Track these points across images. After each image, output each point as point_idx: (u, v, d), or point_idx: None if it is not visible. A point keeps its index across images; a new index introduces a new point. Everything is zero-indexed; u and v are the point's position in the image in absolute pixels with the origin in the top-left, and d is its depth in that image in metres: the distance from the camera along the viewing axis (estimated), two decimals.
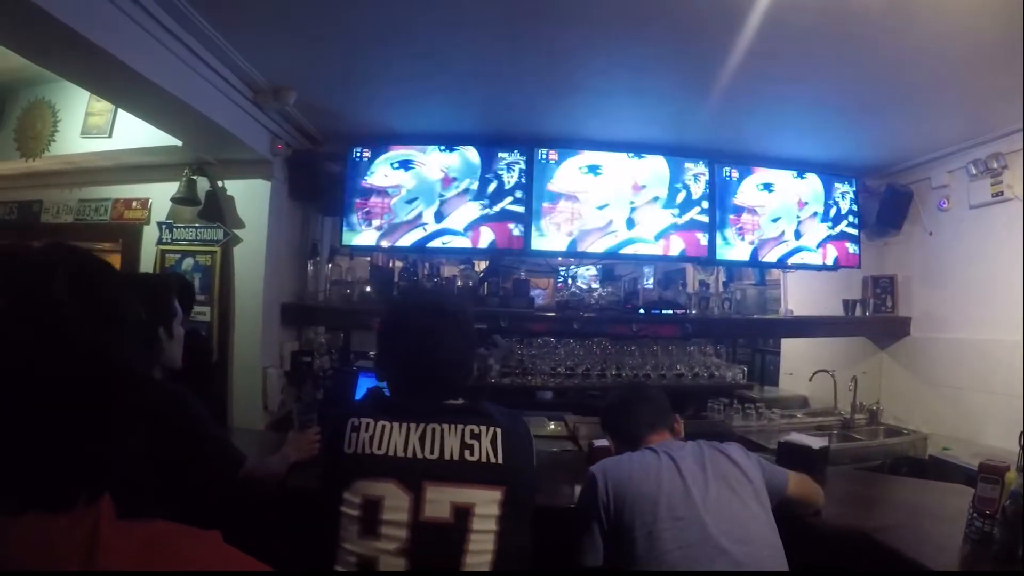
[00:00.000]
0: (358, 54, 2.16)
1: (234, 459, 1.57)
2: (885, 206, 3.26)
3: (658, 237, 2.96)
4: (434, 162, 2.94)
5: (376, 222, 2.92)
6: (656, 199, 2.98)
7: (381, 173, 2.95)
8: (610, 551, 1.38)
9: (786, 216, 3.15)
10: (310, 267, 2.94)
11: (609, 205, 2.93)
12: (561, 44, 2.01)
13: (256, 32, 2.04)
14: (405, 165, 2.95)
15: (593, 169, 2.95)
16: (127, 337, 0.53)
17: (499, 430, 1.16)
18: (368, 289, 2.87)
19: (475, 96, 2.54)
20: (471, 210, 2.90)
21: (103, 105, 2.94)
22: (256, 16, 1.92)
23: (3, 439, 0.46)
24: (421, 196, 2.93)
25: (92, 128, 3.00)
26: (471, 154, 2.94)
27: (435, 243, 2.90)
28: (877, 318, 3.32)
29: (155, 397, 1.38)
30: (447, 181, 2.93)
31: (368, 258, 3.10)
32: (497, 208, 2.89)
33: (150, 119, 2.48)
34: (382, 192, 2.94)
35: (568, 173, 2.94)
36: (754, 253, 3.08)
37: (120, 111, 2.82)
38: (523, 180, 2.89)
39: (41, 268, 0.50)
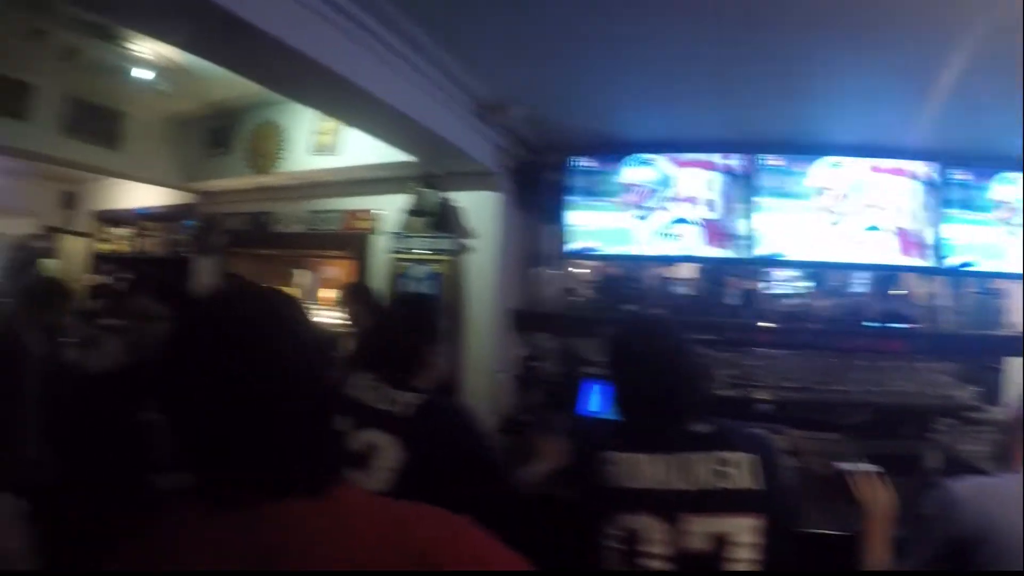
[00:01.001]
0: (584, 68, 2.17)
1: (506, 468, 1.62)
2: None
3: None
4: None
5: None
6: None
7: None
8: None
9: None
10: (537, 274, 3.03)
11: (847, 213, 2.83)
12: (792, 49, 1.96)
13: (481, 47, 2.09)
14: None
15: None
16: (319, 357, 0.66)
17: (755, 456, 1.13)
18: (594, 296, 2.91)
19: (705, 103, 2.51)
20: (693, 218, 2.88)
21: (329, 125, 3.17)
22: (481, 32, 1.96)
23: (255, 440, 0.58)
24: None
25: (320, 146, 3.24)
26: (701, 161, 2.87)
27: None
28: None
29: (444, 410, 1.49)
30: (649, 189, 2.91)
31: (593, 265, 3.15)
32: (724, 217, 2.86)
33: (381, 135, 2.63)
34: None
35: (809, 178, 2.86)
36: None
37: (346, 129, 3.03)
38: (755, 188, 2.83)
39: (260, 302, 0.65)
